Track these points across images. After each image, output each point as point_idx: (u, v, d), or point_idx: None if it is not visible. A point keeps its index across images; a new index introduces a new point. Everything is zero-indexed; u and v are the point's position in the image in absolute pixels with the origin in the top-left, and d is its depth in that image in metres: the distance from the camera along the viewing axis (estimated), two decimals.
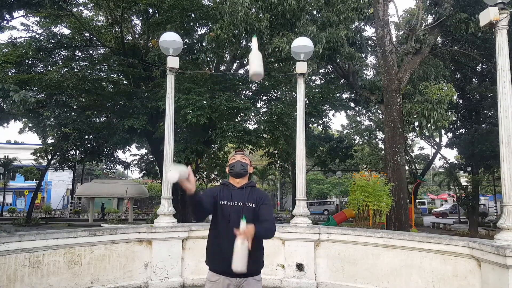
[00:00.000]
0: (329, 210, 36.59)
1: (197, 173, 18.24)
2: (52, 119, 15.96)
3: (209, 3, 15.12)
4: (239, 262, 2.21)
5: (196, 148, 13.42)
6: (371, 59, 18.42)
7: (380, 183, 8.37)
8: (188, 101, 11.73)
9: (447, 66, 15.49)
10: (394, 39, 12.94)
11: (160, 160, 14.53)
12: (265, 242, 2.61)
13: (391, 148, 9.89)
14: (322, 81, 18.71)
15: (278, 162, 19.42)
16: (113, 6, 14.58)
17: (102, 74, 15.64)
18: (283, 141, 13.54)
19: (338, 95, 17.96)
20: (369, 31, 58.98)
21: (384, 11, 10.41)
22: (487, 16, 4.16)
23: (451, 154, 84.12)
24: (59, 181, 38.89)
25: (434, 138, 23.92)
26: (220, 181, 2.96)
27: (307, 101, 14.42)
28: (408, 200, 11.91)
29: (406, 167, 18.72)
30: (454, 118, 10.31)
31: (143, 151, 23.74)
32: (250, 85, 15.74)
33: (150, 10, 15.40)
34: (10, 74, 14.79)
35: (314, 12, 11.80)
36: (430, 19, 11.97)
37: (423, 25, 11.06)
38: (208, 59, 13.59)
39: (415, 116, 10.02)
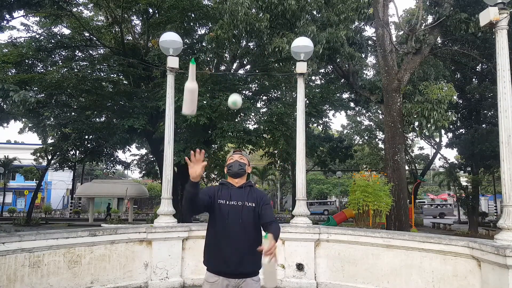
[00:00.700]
0: (329, 210, 36.63)
1: None
2: (52, 119, 15.95)
3: (209, 3, 15.10)
4: (269, 279, 2.18)
5: (196, 148, 13.38)
6: (371, 59, 18.45)
7: (380, 183, 8.37)
8: None
9: (447, 66, 15.48)
10: (394, 39, 12.93)
11: (160, 160, 14.50)
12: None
13: (391, 148, 9.89)
14: (322, 81, 18.71)
15: (278, 162, 19.44)
16: (113, 6, 14.57)
17: (102, 74, 15.64)
18: (283, 141, 13.53)
19: (338, 95, 17.96)
20: (369, 31, 59.03)
21: (384, 11, 10.41)
22: (487, 16, 4.16)
23: (451, 154, 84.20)
24: (59, 181, 38.89)
25: (434, 138, 23.90)
26: (220, 181, 2.93)
27: (307, 101, 14.41)
28: (408, 200, 11.90)
29: (406, 167, 18.71)
30: (454, 118, 10.31)
31: (143, 151, 23.76)
32: (250, 85, 15.73)
33: (150, 10, 15.38)
34: (10, 74, 14.77)
35: (314, 12, 11.80)
36: (430, 19, 11.97)
37: (423, 25, 11.06)
38: (208, 59, 13.60)
39: (415, 116, 10.02)
